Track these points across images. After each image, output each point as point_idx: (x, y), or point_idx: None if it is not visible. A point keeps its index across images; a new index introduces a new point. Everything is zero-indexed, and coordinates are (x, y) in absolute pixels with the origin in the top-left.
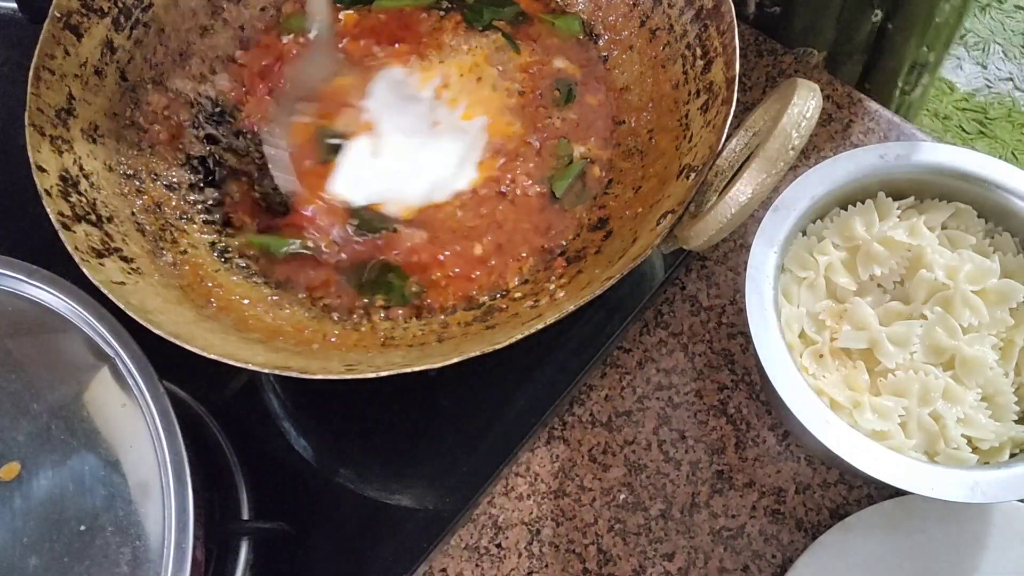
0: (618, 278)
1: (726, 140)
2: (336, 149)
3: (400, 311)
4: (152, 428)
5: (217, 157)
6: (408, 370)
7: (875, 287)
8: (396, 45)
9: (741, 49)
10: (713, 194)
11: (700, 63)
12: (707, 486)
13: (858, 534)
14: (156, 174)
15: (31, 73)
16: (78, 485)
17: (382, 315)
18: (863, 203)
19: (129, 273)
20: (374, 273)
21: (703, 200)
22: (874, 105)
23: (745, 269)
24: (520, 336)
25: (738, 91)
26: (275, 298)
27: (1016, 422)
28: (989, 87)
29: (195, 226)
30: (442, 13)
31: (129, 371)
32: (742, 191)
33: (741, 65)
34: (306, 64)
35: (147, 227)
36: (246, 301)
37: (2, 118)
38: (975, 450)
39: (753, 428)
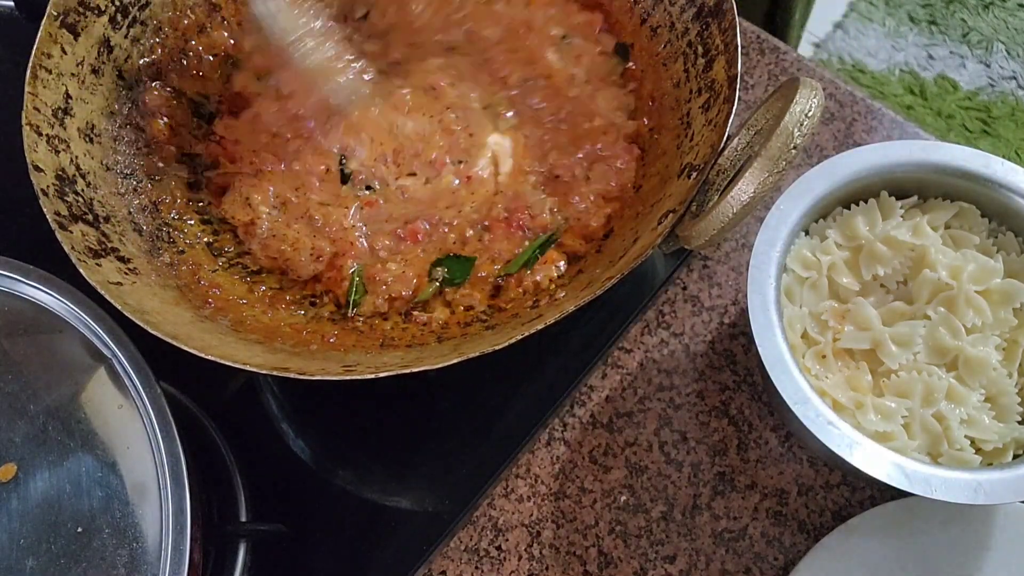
0: (619, 278)
1: (728, 139)
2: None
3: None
4: (149, 429)
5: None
6: (407, 371)
7: (878, 287)
8: None
9: (743, 47)
10: (715, 193)
11: (702, 61)
12: (709, 488)
13: (861, 536)
14: (153, 173)
15: (28, 72)
16: (75, 486)
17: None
18: (866, 202)
19: (126, 273)
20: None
21: (705, 199)
22: (877, 104)
23: (747, 269)
24: (520, 337)
25: (740, 89)
26: (273, 298)
27: (1020, 423)
28: (992, 86)
29: (192, 226)
30: None
31: (126, 372)
32: (744, 190)
33: (743, 63)
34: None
35: (144, 227)
36: (244, 301)
37: None
38: (978, 451)
39: (755, 429)
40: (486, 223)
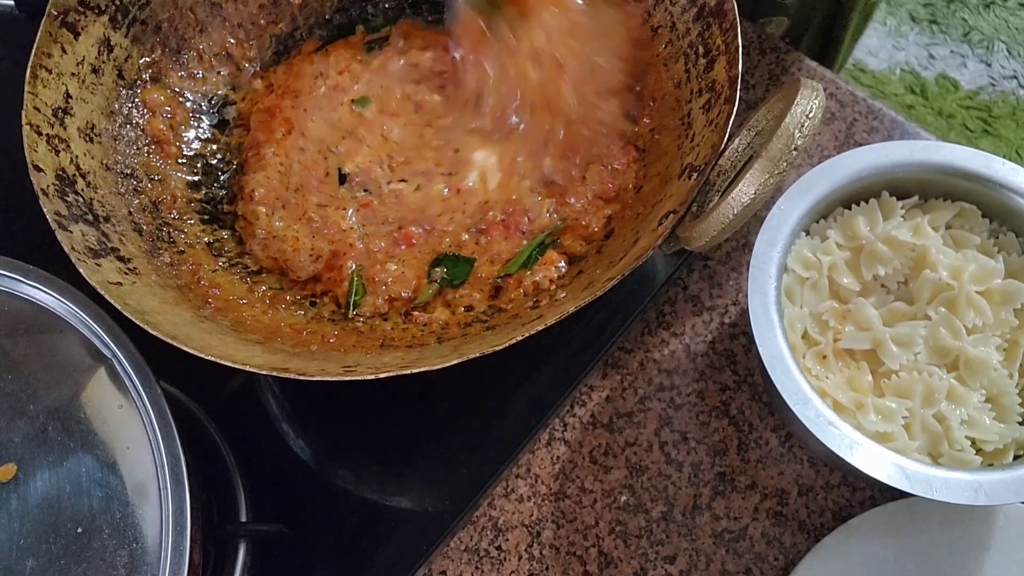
0: (619, 279)
1: (728, 139)
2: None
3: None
4: (149, 429)
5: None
6: (407, 372)
7: (879, 287)
8: None
9: (744, 47)
10: (715, 194)
11: (703, 61)
12: (709, 488)
13: (861, 536)
14: (153, 173)
15: (28, 71)
16: (75, 487)
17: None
18: (867, 202)
19: (126, 273)
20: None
21: (705, 200)
22: (877, 103)
23: (748, 269)
24: (520, 337)
25: (740, 90)
26: (273, 299)
27: (1020, 423)
28: (993, 85)
29: (193, 225)
30: None
31: (126, 372)
32: (745, 191)
33: (744, 63)
34: None
35: (144, 227)
36: (244, 301)
37: None
38: (979, 452)
39: (755, 429)
40: (482, 227)
